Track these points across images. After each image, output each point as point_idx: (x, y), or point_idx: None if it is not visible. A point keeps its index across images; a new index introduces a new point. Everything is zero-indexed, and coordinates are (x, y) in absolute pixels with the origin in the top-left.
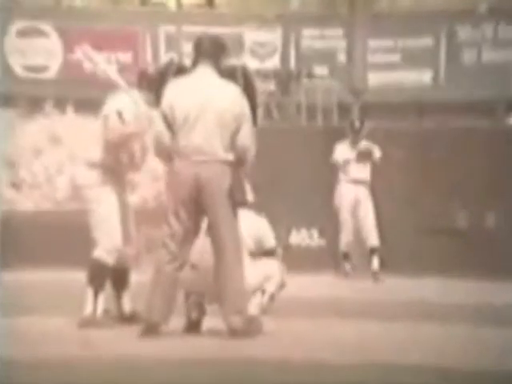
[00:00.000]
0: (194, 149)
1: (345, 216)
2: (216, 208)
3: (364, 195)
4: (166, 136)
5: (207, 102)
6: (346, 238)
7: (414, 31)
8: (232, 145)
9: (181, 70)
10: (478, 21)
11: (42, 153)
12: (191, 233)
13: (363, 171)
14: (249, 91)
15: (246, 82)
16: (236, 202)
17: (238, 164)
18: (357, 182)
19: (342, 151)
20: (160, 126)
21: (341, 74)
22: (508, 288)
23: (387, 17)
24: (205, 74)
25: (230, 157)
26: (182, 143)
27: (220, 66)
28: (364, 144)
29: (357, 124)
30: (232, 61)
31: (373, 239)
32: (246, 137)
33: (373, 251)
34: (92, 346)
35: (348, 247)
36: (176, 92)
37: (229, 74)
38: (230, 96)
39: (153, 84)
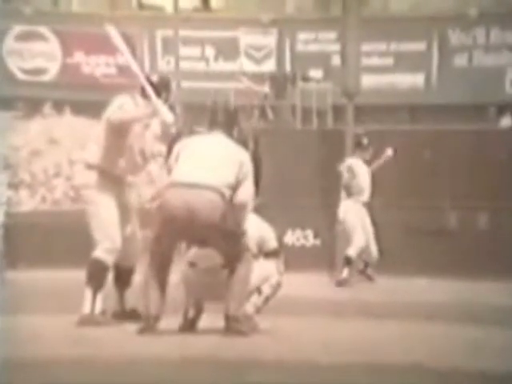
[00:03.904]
0: (189, 175)
1: (358, 229)
2: (209, 234)
3: (364, 209)
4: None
5: (216, 143)
6: (358, 246)
7: (406, 35)
8: (230, 184)
9: (193, 133)
10: (469, 25)
11: (41, 154)
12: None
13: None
14: (256, 161)
15: (255, 151)
16: (230, 230)
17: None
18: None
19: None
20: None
21: (335, 77)
22: (499, 288)
23: (380, 21)
24: (217, 135)
25: (227, 191)
26: (178, 171)
27: (232, 134)
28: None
29: (365, 141)
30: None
31: (374, 253)
32: (247, 194)
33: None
34: (90, 345)
35: (358, 255)
36: (186, 141)
37: (240, 142)
38: (239, 150)
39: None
